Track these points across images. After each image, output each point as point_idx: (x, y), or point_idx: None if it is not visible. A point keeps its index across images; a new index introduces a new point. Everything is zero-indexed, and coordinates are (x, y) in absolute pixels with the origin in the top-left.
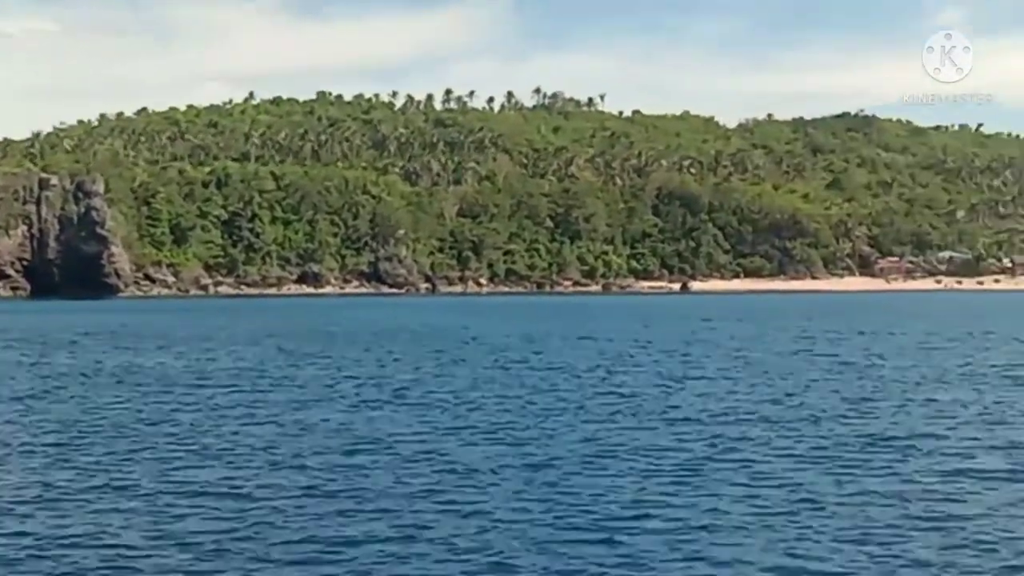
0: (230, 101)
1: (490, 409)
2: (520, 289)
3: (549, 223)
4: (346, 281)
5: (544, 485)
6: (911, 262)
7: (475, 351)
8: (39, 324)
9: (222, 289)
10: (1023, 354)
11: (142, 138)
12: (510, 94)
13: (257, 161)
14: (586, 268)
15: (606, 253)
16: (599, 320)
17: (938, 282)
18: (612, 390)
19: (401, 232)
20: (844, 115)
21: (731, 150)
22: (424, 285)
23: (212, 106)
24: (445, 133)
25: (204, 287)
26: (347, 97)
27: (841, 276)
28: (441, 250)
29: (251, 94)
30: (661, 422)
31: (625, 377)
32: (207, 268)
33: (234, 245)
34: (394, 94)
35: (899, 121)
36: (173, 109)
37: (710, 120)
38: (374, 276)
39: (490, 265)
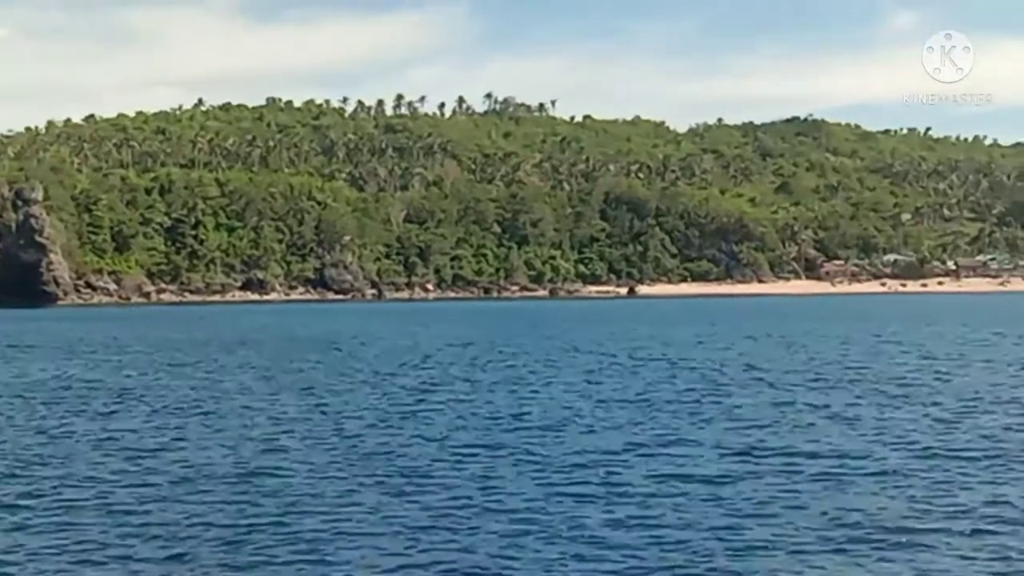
0: (180, 107)
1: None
2: (467, 294)
3: (497, 228)
4: (291, 288)
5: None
6: (856, 265)
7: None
8: None
9: (165, 297)
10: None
11: (87, 145)
12: (461, 99)
13: (205, 168)
14: (534, 273)
15: (554, 258)
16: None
17: (883, 285)
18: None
19: (347, 238)
20: (794, 119)
21: (681, 155)
22: (370, 291)
23: (160, 112)
24: (394, 139)
25: (147, 295)
26: (297, 103)
27: (787, 279)
28: (388, 256)
29: (200, 100)
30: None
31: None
32: (150, 276)
33: (177, 252)
34: (344, 100)
35: (848, 125)
36: (121, 115)
37: (660, 125)
38: (320, 283)
39: (437, 271)
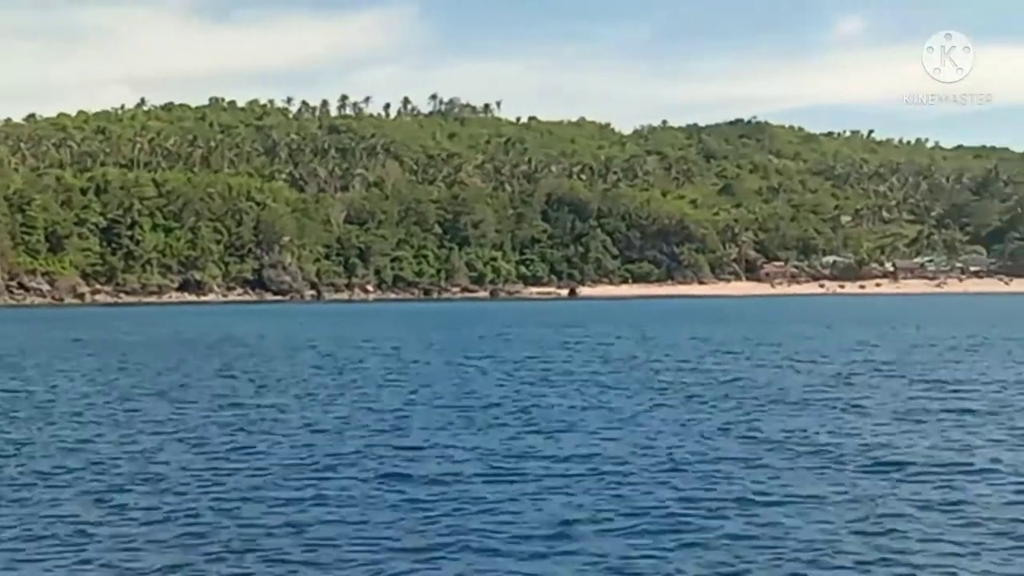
0: (122, 107)
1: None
2: (408, 296)
3: (438, 229)
4: (230, 288)
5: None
6: (796, 267)
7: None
8: None
9: (100, 298)
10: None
11: (23, 144)
12: (406, 100)
13: (145, 168)
14: (475, 274)
15: (495, 259)
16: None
17: (821, 286)
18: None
19: (286, 239)
20: (737, 122)
21: (625, 156)
22: (309, 292)
23: (102, 112)
24: (337, 140)
25: (81, 296)
26: (240, 103)
27: (728, 281)
28: (327, 257)
29: (142, 100)
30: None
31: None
32: (84, 276)
33: (113, 253)
34: (289, 100)
35: (792, 128)
36: (62, 115)
37: (606, 126)
38: (258, 283)
39: (377, 272)
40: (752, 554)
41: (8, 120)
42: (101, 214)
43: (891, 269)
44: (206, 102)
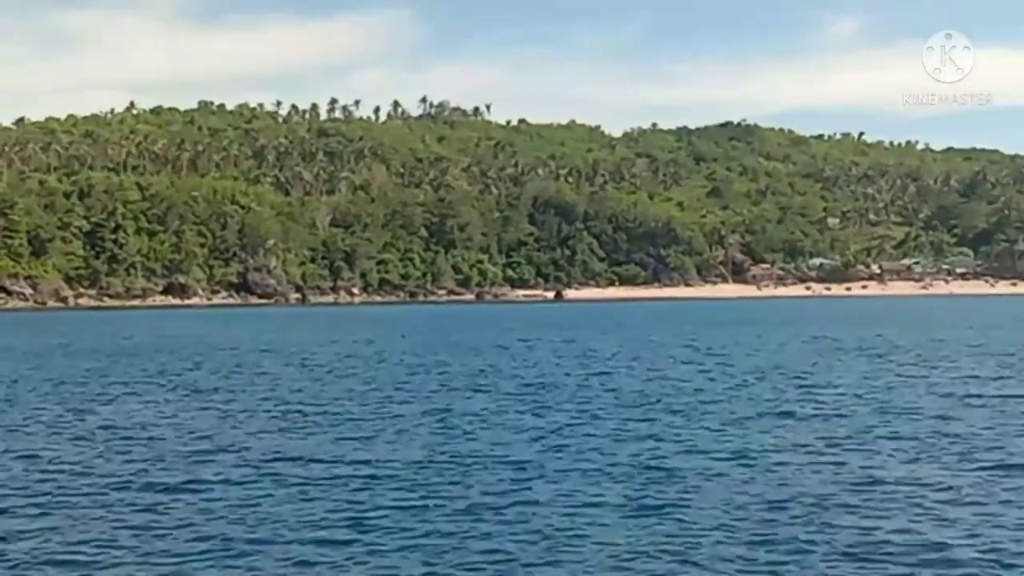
0: (111, 111)
1: None
2: (393, 299)
3: (424, 232)
4: (214, 292)
5: None
6: (782, 269)
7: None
8: None
9: (83, 301)
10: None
11: (10, 148)
12: (396, 103)
13: (133, 171)
14: (461, 277)
15: (481, 262)
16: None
17: (808, 289)
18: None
19: (271, 242)
20: (727, 124)
21: (615, 159)
22: (294, 295)
23: (91, 116)
24: (326, 143)
25: (64, 299)
26: (229, 106)
27: (714, 283)
28: (313, 260)
29: (132, 103)
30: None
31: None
32: (68, 280)
33: (97, 257)
34: (278, 104)
35: (782, 130)
36: (50, 119)
37: (595, 129)
38: (243, 287)
39: (363, 275)
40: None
41: None
42: (85, 218)
43: (877, 271)
44: (194, 106)
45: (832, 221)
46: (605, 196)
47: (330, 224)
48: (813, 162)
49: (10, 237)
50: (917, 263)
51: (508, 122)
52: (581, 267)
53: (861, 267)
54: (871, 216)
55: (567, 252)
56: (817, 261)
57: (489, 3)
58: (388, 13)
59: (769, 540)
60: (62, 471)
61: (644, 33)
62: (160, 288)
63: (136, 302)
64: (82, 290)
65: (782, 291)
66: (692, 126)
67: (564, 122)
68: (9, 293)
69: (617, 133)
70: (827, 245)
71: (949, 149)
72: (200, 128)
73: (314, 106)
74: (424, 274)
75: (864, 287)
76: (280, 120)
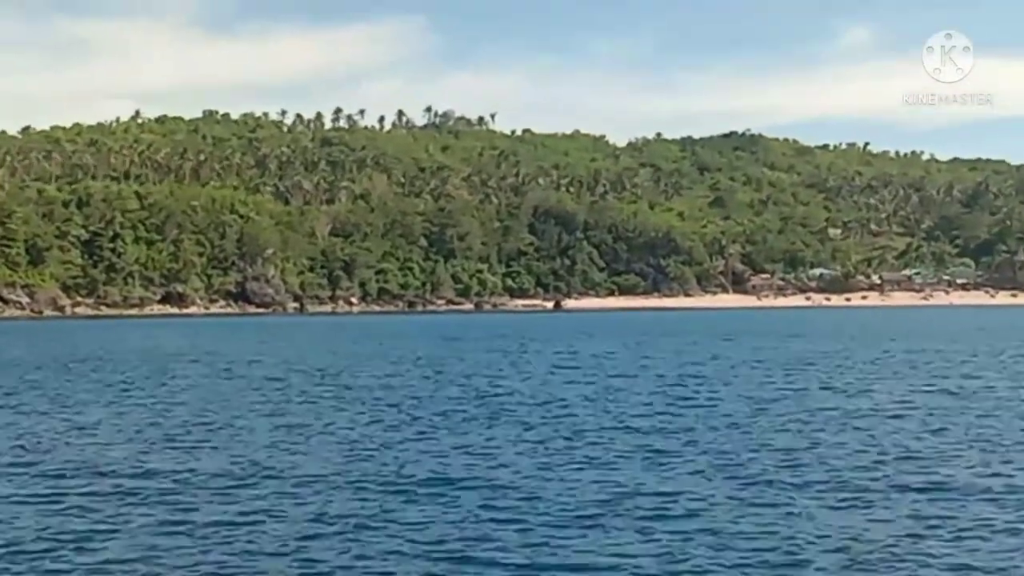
0: (117, 119)
1: None
2: (392, 308)
3: (423, 242)
4: (212, 301)
5: None
6: (783, 279)
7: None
8: None
9: (80, 310)
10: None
11: (14, 157)
12: (400, 113)
13: (136, 180)
14: (460, 287)
15: (481, 271)
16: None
17: (808, 299)
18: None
19: (269, 251)
20: (732, 134)
21: (619, 169)
22: (292, 305)
23: (96, 125)
24: (328, 152)
25: (61, 308)
26: (234, 115)
27: (714, 293)
28: (312, 269)
29: (137, 112)
30: None
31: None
32: (65, 289)
33: (94, 266)
34: (283, 113)
35: (786, 140)
36: (56, 127)
37: (600, 139)
38: (241, 296)
39: (362, 284)
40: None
41: (3, 133)
42: (83, 227)
43: (878, 282)
44: (199, 115)
45: (833, 231)
46: (606, 206)
47: (329, 233)
48: (817, 172)
49: (7, 246)
50: (918, 274)
51: (513, 132)
52: (581, 277)
53: (861, 277)
54: (873, 226)
55: (567, 262)
56: (817, 271)
57: (501, 13)
58: (401, 22)
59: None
60: None
61: (657, 43)
62: (158, 297)
63: (134, 311)
64: (79, 299)
65: (782, 301)
66: (696, 136)
67: (569, 132)
68: (6, 302)
69: (622, 143)
70: (828, 255)
71: (955, 159)
72: (204, 137)
73: (319, 115)
74: (423, 283)
75: (864, 298)
76: (285, 129)
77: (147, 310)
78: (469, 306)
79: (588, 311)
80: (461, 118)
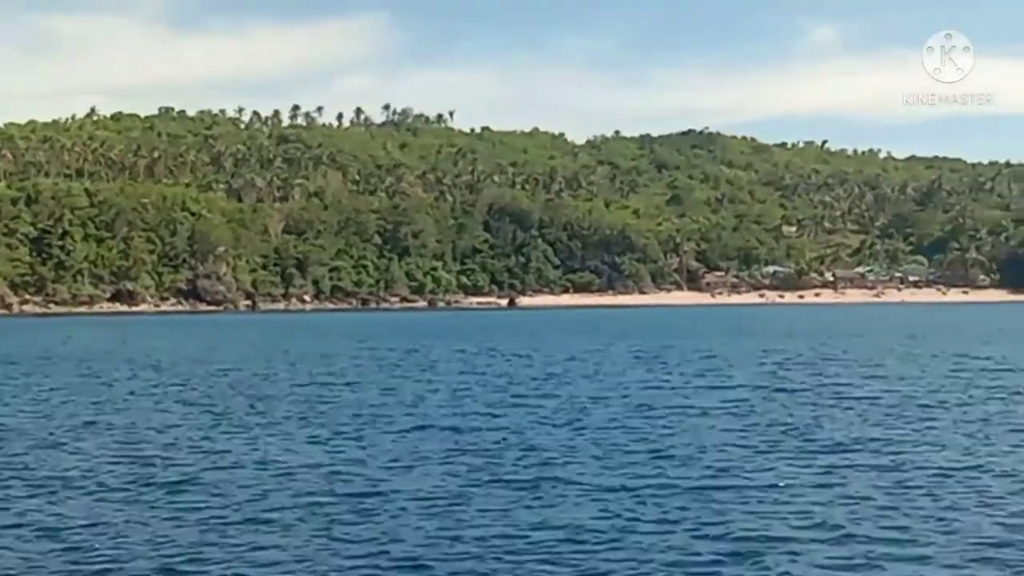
0: (72, 116)
1: None
2: (346, 306)
3: (378, 239)
4: (163, 299)
5: None
6: (737, 276)
7: None
8: None
9: (28, 308)
10: None
11: None
12: (359, 110)
13: (89, 177)
14: (415, 284)
15: (435, 269)
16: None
17: (761, 296)
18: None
19: (221, 249)
20: (689, 132)
21: (576, 166)
22: (244, 303)
23: (51, 122)
24: (284, 150)
25: (8, 306)
26: (190, 112)
27: (669, 291)
28: (264, 267)
29: (93, 109)
30: None
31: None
32: (13, 287)
33: (43, 263)
34: (240, 110)
35: (744, 138)
36: (10, 124)
37: (559, 137)
38: (192, 294)
39: (315, 282)
40: None
41: None
42: (31, 224)
43: (831, 279)
44: (154, 112)
45: (788, 229)
46: (561, 204)
47: (283, 231)
48: (775, 170)
49: None
50: (871, 271)
51: (472, 130)
52: (535, 274)
53: (815, 275)
54: (827, 224)
55: (522, 259)
56: (771, 269)
57: (467, 10)
58: (371, 18)
59: None
60: None
61: (622, 42)
62: (108, 295)
63: (83, 309)
64: (28, 296)
65: (736, 299)
66: (655, 134)
67: (527, 130)
68: None
69: (581, 141)
70: (783, 253)
71: (911, 157)
72: (160, 134)
73: (276, 112)
74: (377, 281)
75: (817, 295)
76: (241, 127)
77: (96, 308)
78: (423, 304)
79: (543, 308)
80: (420, 116)
